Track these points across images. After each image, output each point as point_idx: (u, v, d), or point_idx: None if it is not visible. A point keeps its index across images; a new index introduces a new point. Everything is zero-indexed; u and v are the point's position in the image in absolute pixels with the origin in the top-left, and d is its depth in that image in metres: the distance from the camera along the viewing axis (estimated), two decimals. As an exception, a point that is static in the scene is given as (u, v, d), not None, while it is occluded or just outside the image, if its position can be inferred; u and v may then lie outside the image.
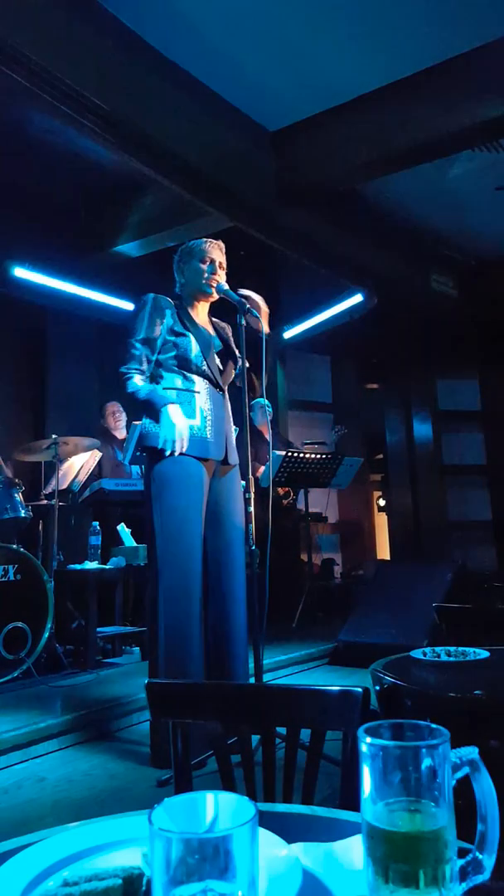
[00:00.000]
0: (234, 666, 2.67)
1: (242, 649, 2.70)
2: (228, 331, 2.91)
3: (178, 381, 2.68)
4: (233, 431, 2.79)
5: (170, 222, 5.16)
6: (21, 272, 5.10)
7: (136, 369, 2.67)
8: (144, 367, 2.69)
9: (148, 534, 2.66)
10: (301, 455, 5.10)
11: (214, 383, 2.74)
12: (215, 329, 2.88)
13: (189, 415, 2.64)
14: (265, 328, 2.75)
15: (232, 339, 2.85)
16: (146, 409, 2.64)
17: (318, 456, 5.23)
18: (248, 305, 2.68)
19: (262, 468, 4.93)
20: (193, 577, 2.58)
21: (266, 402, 2.94)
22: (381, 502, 10.73)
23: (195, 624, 2.56)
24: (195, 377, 2.69)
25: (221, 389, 2.77)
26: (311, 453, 5.20)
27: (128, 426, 5.16)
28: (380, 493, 10.73)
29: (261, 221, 4.93)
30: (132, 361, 2.68)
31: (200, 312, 2.86)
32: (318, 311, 6.55)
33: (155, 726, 2.61)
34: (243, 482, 2.75)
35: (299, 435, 7.31)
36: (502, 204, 5.68)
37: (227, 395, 2.82)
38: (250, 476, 2.61)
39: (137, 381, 2.66)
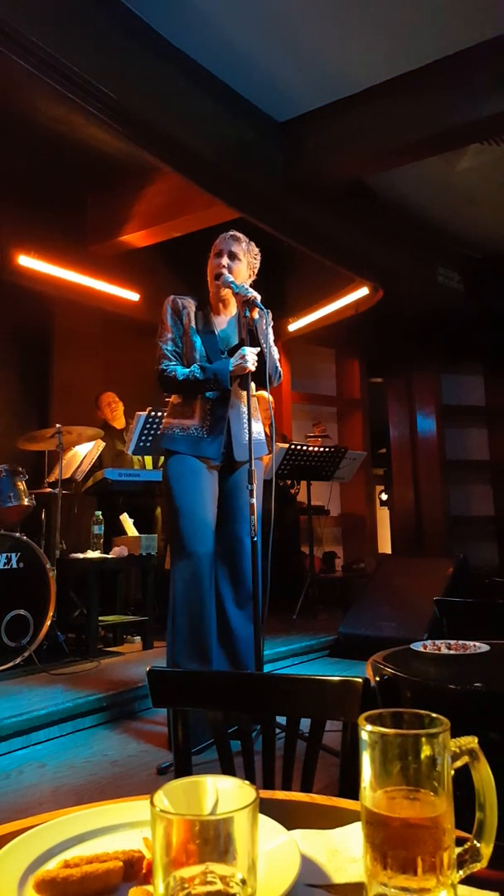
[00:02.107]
0: (250, 655, 2.69)
1: (259, 641, 2.72)
2: (260, 324, 2.75)
3: None
4: (244, 429, 2.69)
5: (176, 212, 5.14)
6: (26, 261, 5.09)
7: (172, 363, 2.71)
8: (177, 360, 2.74)
9: (166, 526, 2.73)
10: (304, 448, 5.10)
11: None
12: (240, 324, 2.75)
13: (189, 416, 2.70)
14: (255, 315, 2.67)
15: (259, 332, 2.66)
16: (212, 384, 2.63)
17: (321, 449, 5.23)
18: (250, 296, 2.59)
19: (267, 458, 4.93)
20: (202, 566, 2.61)
21: (266, 394, 2.92)
22: (384, 496, 10.73)
23: (207, 611, 2.61)
24: None
25: (228, 388, 2.69)
26: (313, 446, 5.20)
27: (125, 416, 5.16)
28: (382, 488, 10.73)
29: (268, 212, 4.91)
30: (165, 359, 2.71)
31: (222, 309, 2.82)
32: (324, 303, 6.53)
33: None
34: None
35: (302, 428, 7.31)
36: (510, 198, 5.65)
37: (239, 393, 2.72)
38: (252, 469, 2.61)
39: (181, 370, 2.67)
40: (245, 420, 2.71)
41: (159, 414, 4.30)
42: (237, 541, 2.72)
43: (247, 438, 2.60)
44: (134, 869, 0.57)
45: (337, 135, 4.59)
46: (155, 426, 4.34)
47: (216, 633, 2.69)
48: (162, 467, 2.88)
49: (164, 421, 2.83)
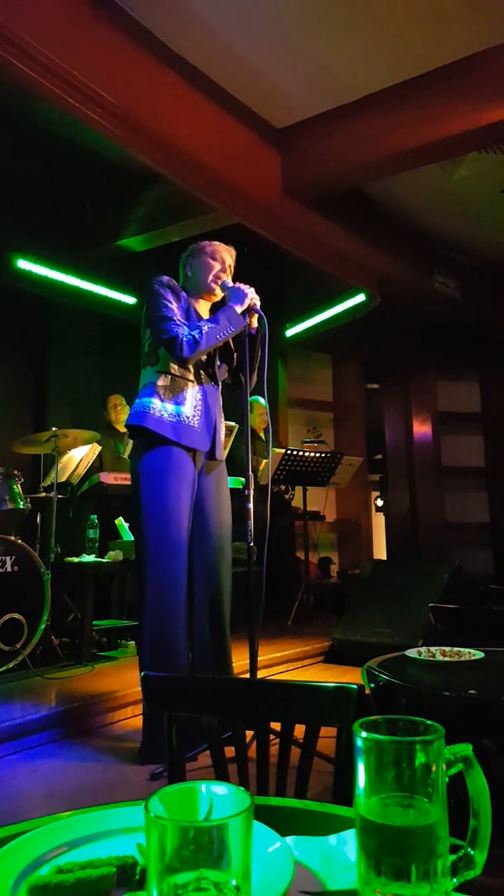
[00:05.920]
0: (226, 658, 2.70)
1: (228, 644, 2.75)
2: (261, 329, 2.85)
3: (175, 367, 2.65)
4: (222, 428, 2.79)
5: (174, 217, 5.14)
6: (24, 264, 5.09)
7: (179, 328, 2.55)
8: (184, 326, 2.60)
9: (134, 525, 2.66)
10: (300, 453, 5.10)
11: (210, 376, 2.74)
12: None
13: (179, 402, 2.62)
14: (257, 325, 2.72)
15: (258, 338, 2.74)
16: (228, 324, 2.58)
17: (317, 454, 5.23)
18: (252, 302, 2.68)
19: (263, 463, 4.93)
20: (180, 571, 2.58)
21: (262, 400, 2.95)
22: (379, 502, 10.73)
23: (181, 619, 2.58)
24: (192, 367, 2.68)
25: (216, 384, 2.78)
26: (310, 451, 5.21)
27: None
28: (378, 493, 10.73)
29: (265, 218, 4.92)
30: (172, 325, 2.56)
31: (202, 309, 2.85)
32: (321, 309, 6.54)
33: (151, 721, 2.61)
34: (243, 479, 2.74)
35: (299, 433, 7.31)
36: (507, 206, 5.68)
37: (219, 391, 2.81)
38: (250, 473, 2.60)
39: (194, 333, 2.54)
40: (223, 420, 2.80)
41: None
42: (217, 545, 2.73)
43: (223, 437, 2.63)
44: (127, 875, 0.56)
45: (335, 141, 4.61)
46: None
47: (195, 639, 2.70)
48: (134, 453, 2.66)
49: (142, 401, 2.62)
